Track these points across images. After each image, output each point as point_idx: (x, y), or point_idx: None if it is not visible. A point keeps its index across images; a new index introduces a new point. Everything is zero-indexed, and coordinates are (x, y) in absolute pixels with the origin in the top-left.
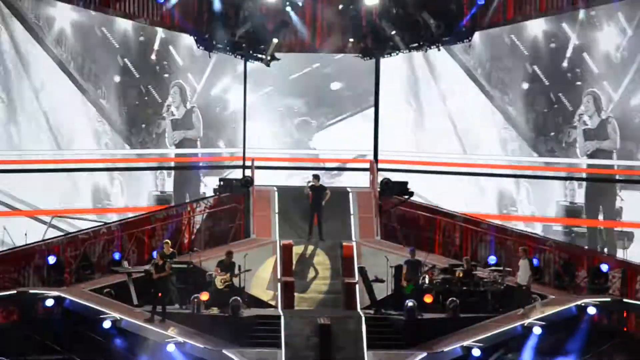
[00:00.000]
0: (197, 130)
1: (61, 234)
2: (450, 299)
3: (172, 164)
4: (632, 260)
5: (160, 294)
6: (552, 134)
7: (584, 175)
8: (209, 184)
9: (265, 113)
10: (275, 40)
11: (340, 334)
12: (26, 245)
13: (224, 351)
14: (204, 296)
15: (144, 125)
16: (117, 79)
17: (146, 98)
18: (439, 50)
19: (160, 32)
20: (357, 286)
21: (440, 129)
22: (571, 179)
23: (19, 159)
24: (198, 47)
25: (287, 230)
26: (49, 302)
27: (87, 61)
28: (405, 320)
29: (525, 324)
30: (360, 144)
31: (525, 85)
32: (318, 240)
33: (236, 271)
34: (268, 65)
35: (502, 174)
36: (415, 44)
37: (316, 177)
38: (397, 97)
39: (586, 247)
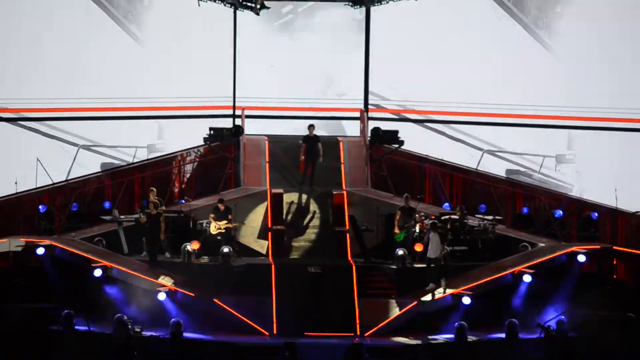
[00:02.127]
0: None
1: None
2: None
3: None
4: (622, 208)
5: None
6: None
7: None
8: None
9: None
10: None
11: (331, 283)
12: (17, 193)
13: (215, 300)
14: (195, 245)
15: None
16: None
17: None
18: None
19: None
20: (347, 235)
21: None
22: None
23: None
24: None
25: (278, 179)
26: (40, 251)
27: None
28: (396, 268)
29: (516, 272)
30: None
31: None
32: (309, 189)
33: (230, 217)
34: (257, 14)
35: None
36: None
37: (311, 126)
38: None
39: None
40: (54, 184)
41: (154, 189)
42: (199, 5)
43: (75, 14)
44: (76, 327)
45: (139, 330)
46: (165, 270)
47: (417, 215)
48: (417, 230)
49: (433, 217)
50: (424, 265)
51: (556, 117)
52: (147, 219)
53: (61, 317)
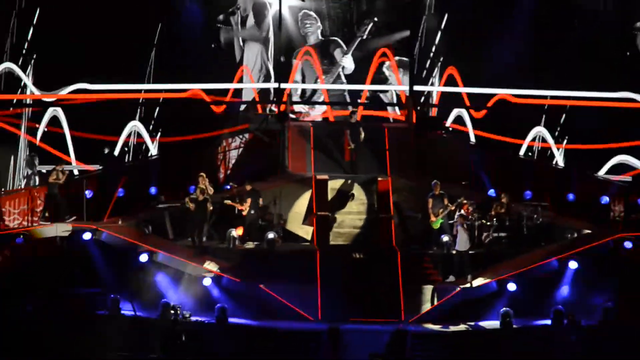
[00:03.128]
0: None
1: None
2: (485, 234)
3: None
4: None
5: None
6: None
7: None
8: None
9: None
10: None
11: (375, 269)
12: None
13: (260, 285)
14: (239, 230)
15: None
16: None
17: None
18: None
19: None
20: (392, 221)
21: None
22: None
23: None
24: None
25: (323, 165)
26: (87, 236)
27: None
28: (441, 254)
29: (561, 259)
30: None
31: None
32: (354, 175)
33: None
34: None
35: None
36: None
37: (353, 112)
38: None
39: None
40: (100, 169)
41: (203, 174)
42: None
43: None
44: (122, 312)
45: (187, 315)
46: (211, 256)
47: (460, 202)
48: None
49: (477, 202)
50: (469, 252)
51: None
52: (195, 205)
53: (108, 302)
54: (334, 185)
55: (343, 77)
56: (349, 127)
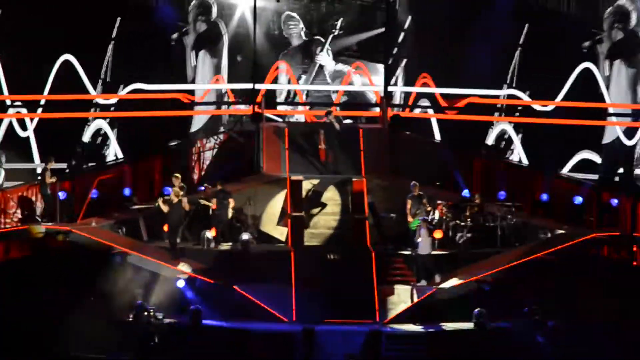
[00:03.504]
0: None
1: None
2: (459, 235)
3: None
4: None
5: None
6: None
7: None
8: None
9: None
10: None
11: (350, 270)
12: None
13: (234, 287)
14: (213, 232)
15: None
16: None
17: None
18: None
19: None
20: (366, 222)
21: None
22: None
23: None
24: None
25: (297, 166)
26: (60, 238)
27: None
28: (415, 256)
29: (535, 259)
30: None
31: None
32: (328, 176)
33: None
34: (278, 1)
35: None
36: None
37: (329, 112)
38: None
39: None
40: (73, 170)
41: (178, 175)
42: None
43: None
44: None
45: (160, 317)
46: (185, 257)
47: (435, 203)
48: (437, 217)
49: (451, 202)
50: (443, 252)
51: None
52: (170, 207)
53: (82, 304)
54: (309, 186)
55: (328, 77)
56: (324, 127)
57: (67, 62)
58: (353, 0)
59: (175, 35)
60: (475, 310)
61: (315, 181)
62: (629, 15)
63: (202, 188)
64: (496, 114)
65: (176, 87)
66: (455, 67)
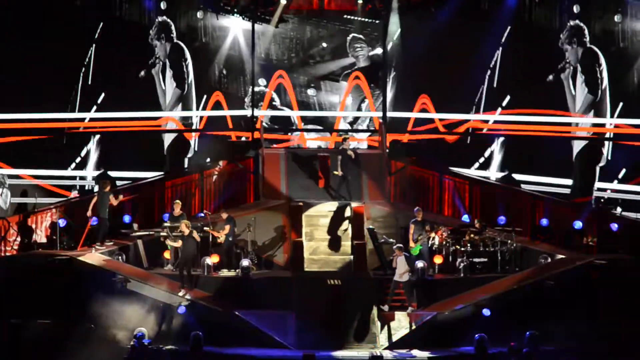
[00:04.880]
0: None
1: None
2: (460, 260)
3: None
4: None
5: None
6: None
7: None
8: None
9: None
10: (283, 2)
11: (350, 295)
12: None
13: (235, 313)
14: (214, 258)
15: None
16: None
17: None
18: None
19: None
20: (366, 247)
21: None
22: None
23: None
24: (199, 8)
25: (297, 191)
26: (60, 264)
27: None
28: (415, 281)
29: (535, 284)
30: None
31: None
32: (328, 201)
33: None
34: (276, 27)
35: None
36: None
37: (345, 139)
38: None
39: (596, 206)
40: (73, 197)
41: (179, 202)
42: (217, 18)
43: None
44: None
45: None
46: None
47: (436, 228)
48: (437, 242)
49: (451, 228)
50: (443, 277)
51: None
52: (182, 241)
53: (82, 331)
54: (308, 212)
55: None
56: (340, 153)
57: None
58: (337, 26)
59: (142, 73)
60: (476, 335)
61: (315, 207)
62: (583, 32)
63: (202, 214)
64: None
65: (171, 114)
66: (447, 89)
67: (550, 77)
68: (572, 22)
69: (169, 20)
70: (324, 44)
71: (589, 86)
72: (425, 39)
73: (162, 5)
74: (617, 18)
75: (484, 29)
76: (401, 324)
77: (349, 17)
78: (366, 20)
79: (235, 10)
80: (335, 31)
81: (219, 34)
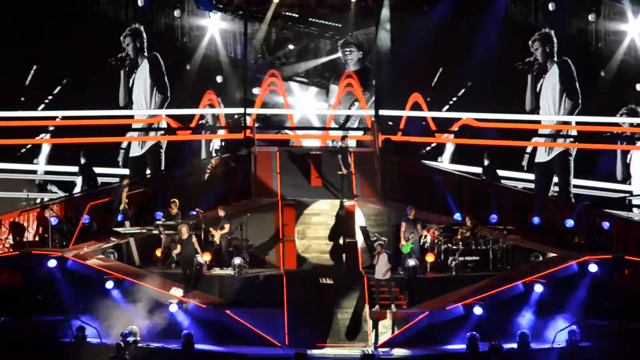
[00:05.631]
0: None
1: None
2: (451, 258)
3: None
4: (634, 218)
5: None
6: None
7: None
8: None
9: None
10: (275, 0)
11: (342, 294)
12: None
13: (226, 311)
14: (206, 256)
15: None
16: None
17: None
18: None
19: None
20: (358, 246)
21: None
22: None
23: None
24: (198, 7)
25: (289, 190)
26: (52, 263)
27: None
28: (407, 279)
29: (527, 282)
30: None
31: None
32: (320, 200)
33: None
34: (269, 26)
35: None
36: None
37: (344, 137)
38: None
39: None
40: (65, 195)
41: (176, 201)
42: (209, 16)
43: None
44: (88, 339)
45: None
46: (177, 282)
47: (428, 226)
48: (429, 240)
49: (442, 226)
50: (435, 276)
51: None
52: (182, 244)
53: (73, 329)
54: (300, 210)
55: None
56: (340, 152)
57: None
58: (301, 28)
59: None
60: (468, 333)
61: (307, 205)
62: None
63: (194, 212)
64: None
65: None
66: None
67: (520, 64)
68: (543, 30)
69: (141, 28)
70: (290, 46)
71: (571, 96)
72: (417, 38)
73: (140, 2)
74: (591, 17)
75: (475, 27)
76: (392, 322)
77: (313, 20)
78: (330, 24)
79: (229, 8)
80: (300, 34)
81: (196, 33)
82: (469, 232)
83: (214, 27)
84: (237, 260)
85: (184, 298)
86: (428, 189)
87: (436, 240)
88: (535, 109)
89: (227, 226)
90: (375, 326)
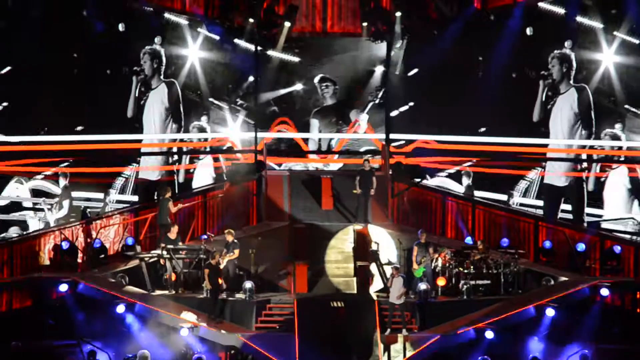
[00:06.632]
0: None
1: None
2: (463, 282)
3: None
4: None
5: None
6: None
7: None
8: None
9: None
10: (287, 25)
11: (354, 317)
12: (40, 230)
13: (238, 335)
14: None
15: None
16: None
17: None
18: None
19: None
20: (369, 269)
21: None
22: None
23: None
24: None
25: (300, 213)
26: (63, 287)
27: None
28: (418, 303)
29: (539, 306)
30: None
31: None
32: (331, 223)
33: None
34: (281, 51)
35: None
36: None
37: (367, 160)
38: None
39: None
40: (79, 220)
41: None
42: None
43: None
44: None
45: None
46: (188, 306)
47: (439, 250)
48: (440, 264)
49: (454, 250)
50: (446, 300)
51: None
52: (210, 270)
53: (84, 354)
54: (312, 233)
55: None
56: (360, 174)
57: None
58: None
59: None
60: (480, 357)
61: (318, 229)
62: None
63: (205, 237)
64: None
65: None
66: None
67: (533, 73)
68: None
69: (162, 50)
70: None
71: (586, 125)
72: (427, 62)
73: (121, 27)
74: (567, 44)
75: (487, 50)
76: (404, 346)
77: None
78: (286, 59)
79: (242, 35)
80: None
81: (176, 62)
82: (480, 256)
83: (194, 56)
84: (249, 284)
85: (196, 322)
86: (439, 213)
87: (447, 264)
88: (544, 121)
89: (236, 251)
90: (386, 350)
